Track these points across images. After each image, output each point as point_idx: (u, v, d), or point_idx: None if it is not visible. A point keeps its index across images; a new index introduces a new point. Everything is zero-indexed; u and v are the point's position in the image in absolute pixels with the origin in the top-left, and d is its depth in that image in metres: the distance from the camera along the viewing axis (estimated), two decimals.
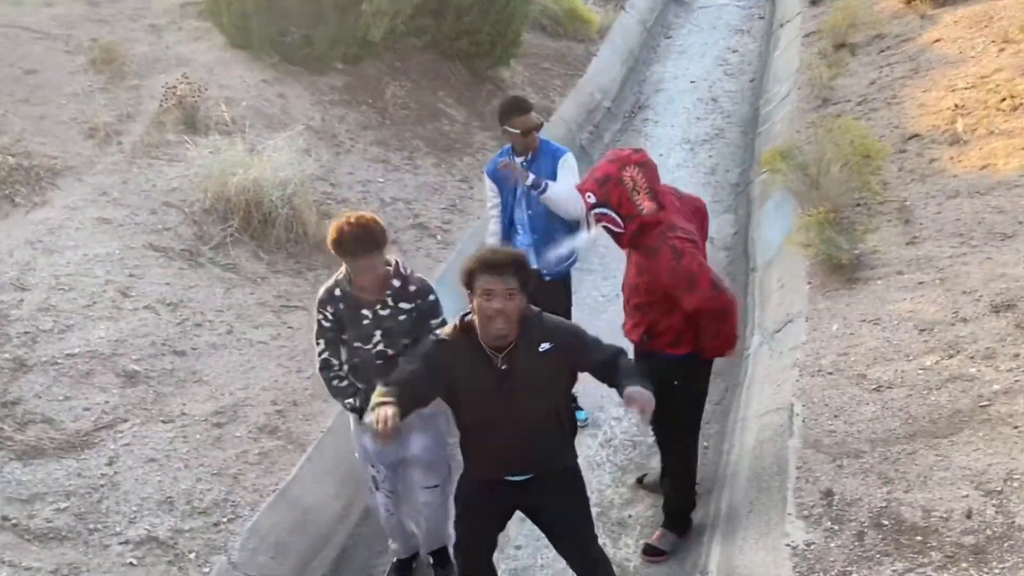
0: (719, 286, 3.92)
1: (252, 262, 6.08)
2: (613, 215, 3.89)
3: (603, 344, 3.51)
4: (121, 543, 3.97)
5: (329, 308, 3.83)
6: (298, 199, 6.32)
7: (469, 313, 3.35)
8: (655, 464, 4.88)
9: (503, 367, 3.32)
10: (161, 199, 6.23)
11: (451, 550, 4.45)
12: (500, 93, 9.48)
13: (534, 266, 5.07)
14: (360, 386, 3.93)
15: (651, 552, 4.50)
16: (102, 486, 4.20)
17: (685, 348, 4.12)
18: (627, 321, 4.34)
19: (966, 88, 7.67)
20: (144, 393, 4.76)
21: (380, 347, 3.82)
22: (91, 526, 4.01)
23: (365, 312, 3.78)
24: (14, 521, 3.91)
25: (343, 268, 3.84)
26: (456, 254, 6.72)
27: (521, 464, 3.53)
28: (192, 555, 4.02)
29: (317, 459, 4.79)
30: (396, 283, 3.80)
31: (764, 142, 8.83)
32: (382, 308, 3.79)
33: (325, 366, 3.95)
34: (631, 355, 4.35)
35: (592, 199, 3.91)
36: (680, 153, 9.37)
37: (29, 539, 3.86)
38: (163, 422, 4.64)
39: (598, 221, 3.96)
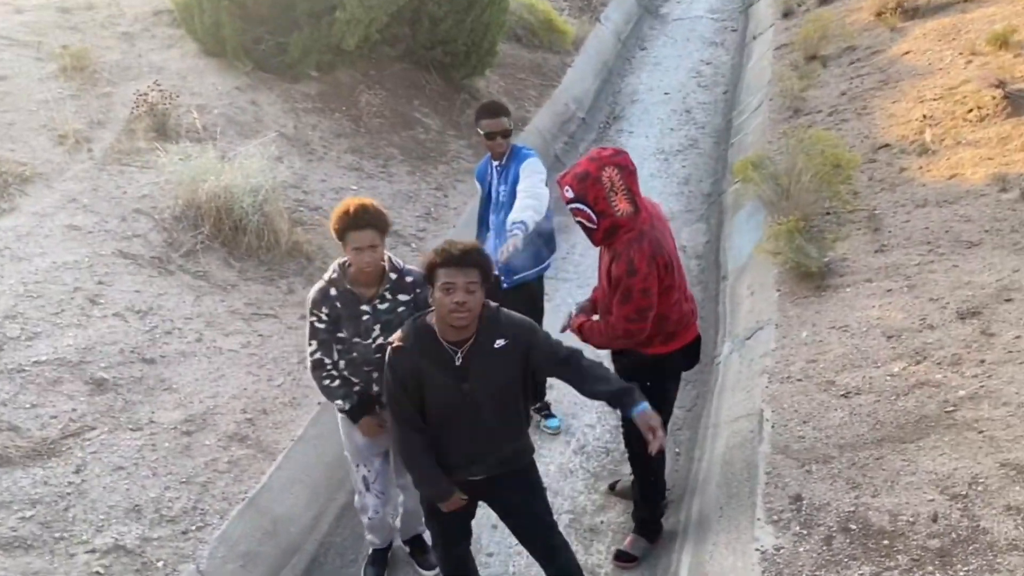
0: (642, 315, 3.99)
1: (223, 269, 6.05)
2: (588, 211, 3.94)
3: (555, 343, 3.50)
4: (88, 552, 3.93)
5: (324, 308, 3.83)
6: (270, 206, 6.30)
7: (420, 316, 3.42)
8: (627, 471, 4.90)
9: (459, 363, 3.33)
10: (131, 206, 6.19)
11: (428, 540, 4.51)
12: (475, 103, 9.51)
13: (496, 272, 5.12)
14: (355, 381, 3.97)
15: (622, 558, 4.52)
16: (69, 494, 4.16)
17: (656, 349, 4.16)
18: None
19: (934, 99, 7.79)
20: (112, 401, 4.72)
21: (380, 341, 3.83)
22: (57, 535, 3.97)
23: (364, 308, 3.81)
24: None
25: (333, 266, 3.86)
26: None
27: (482, 466, 3.56)
28: (160, 564, 3.99)
29: (287, 467, 4.76)
30: (393, 276, 3.84)
31: (736, 152, 8.92)
32: (380, 302, 3.82)
33: (317, 366, 3.96)
34: (607, 359, 4.41)
35: (570, 193, 3.95)
36: (654, 163, 9.43)
37: None
38: (131, 430, 4.60)
39: (574, 216, 4.01)
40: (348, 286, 3.82)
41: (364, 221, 3.65)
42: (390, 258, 3.89)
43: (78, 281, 5.38)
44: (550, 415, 5.54)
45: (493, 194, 5.21)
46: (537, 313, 5.22)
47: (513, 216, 4.79)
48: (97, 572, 3.86)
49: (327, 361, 3.94)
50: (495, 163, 5.18)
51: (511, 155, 5.13)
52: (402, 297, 3.87)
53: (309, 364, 3.99)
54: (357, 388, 4.01)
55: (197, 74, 8.08)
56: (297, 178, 7.11)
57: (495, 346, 3.35)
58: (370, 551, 4.55)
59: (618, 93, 11.70)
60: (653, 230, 4.01)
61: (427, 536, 4.49)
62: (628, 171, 3.94)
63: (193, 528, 4.21)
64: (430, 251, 3.27)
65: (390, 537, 4.55)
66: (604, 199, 3.89)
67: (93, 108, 7.31)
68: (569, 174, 3.97)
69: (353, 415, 4.02)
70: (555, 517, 4.81)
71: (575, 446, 5.40)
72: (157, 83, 7.28)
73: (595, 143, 10.16)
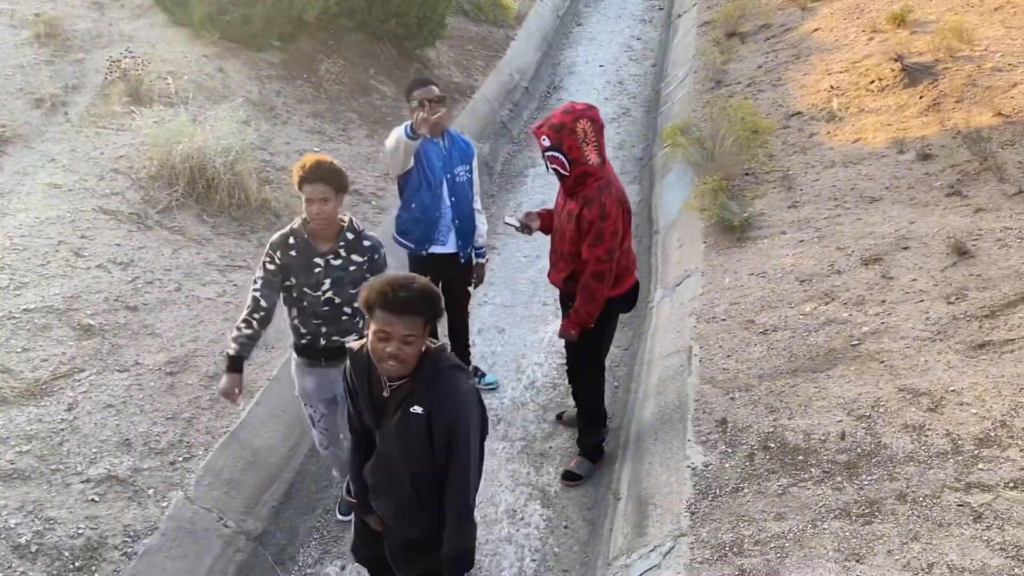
0: (611, 256, 4.06)
1: (197, 225, 5.95)
2: (563, 159, 3.98)
3: (463, 462, 2.78)
4: (83, 481, 3.90)
5: (278, 253, 3.74)
6: (239, 166, 6.19)
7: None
8: (572, 403, 5.01)
9: (386, 395, 2.80)
10: (109, 166, 6.03)
11: None
12: (427, 72, 9.42)
13: (452, 250, 4.93)
14: (304, 331, 3.89)
15: (569, 477, 4.65)
16: (62, 430, 4.10)
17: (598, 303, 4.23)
18: (551, 269, 4.43)
19: (840, 72, 7.94)
20: (99, 345, 4.64)
21: (328, 295, 3.78)
22: (53, 467, 3.93)
23: (317, 260, 3.74)
24: None
25: (297, 219, 3.79)
26: (390, 219, 6.69)
27: (380, 505, 3.07)
28: (151, 491, 3.98)
29: (265, 404, 4.76)
30: (350, 235, 3.78)
31: (665, 120, 8.99)
32: (334, 258, 3.75)
33: (252, 303, 3.79)
34: (557, 299, 4.48)
35: (547, 142, 3.98)
36: None
37: None
38: (119, 371, 4.54)
39: (550, 163, 4.04)
40: (306, 236, 3.75)
41: (317, 175, 3.60)
42: (351, 219, 3.83)
43: (62, 235, 5.25)
44: (483, 375, 5.49)
45: (436, 175, 4.75)
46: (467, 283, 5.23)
47: (483, 239, 5.10)
48: (92, 499, 3.84)
49: (262, 303, 3.79)
50: (439, 141, 4.75)
51: (449, 135, 4.80)
52: (356, 258, 3.79)
53: (248, 299, 3.82)
54: (305, 340, 3.91)
55: (166, 42, 7.84)
56: (264, 140, 6.99)
57: (411, 410, 2.74)
58: (342, 485, 4.57)
59: (557, 65, 11.67)
60: (616, 179, 4.11)
61: None
62: (598, 125, 4.00)
63: (180, 459, 4.21)
64: (367, 284, 2.68)
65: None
66: (578, 148, 3.94)
67: (67, 73, 7.06)
68: (546, 125, 3.99)
69: (228, 363, 3.82)
70: (510, 444, 4.96)
71: (526, 382, 5.49)
72: (129, 50, 7.06)
73: (538, 111, 10.16)
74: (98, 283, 5.01)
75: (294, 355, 4.07)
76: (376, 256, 3.84)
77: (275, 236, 3.81)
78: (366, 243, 3.82)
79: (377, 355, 2.66)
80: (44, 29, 7.37)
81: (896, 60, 7.38)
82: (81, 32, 7.71)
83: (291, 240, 3.76)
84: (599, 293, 4.12)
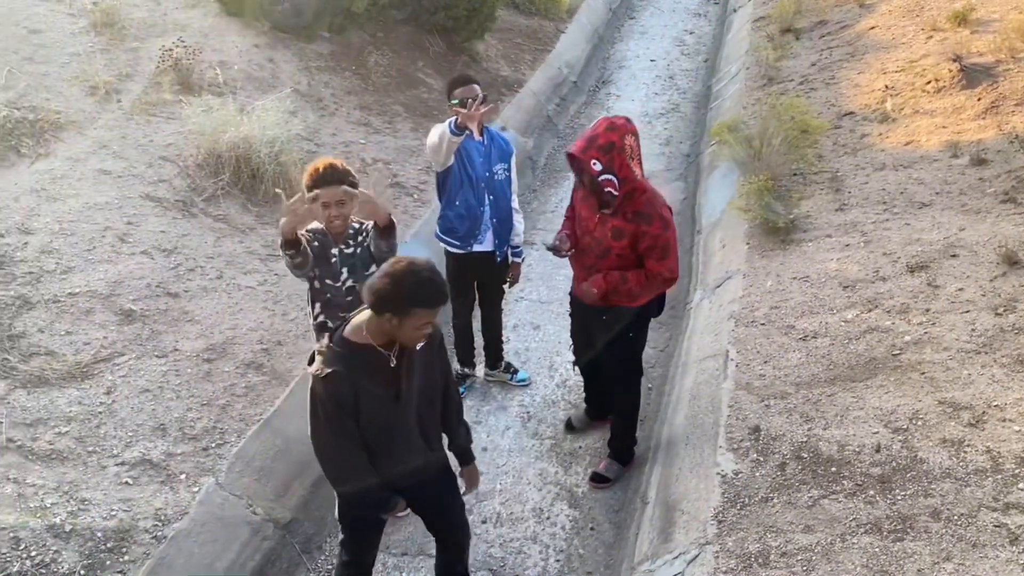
0: (678, 264, 4.06)
1: (241, 214, 6.03)
2: (616, 180, 3.86)
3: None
4: (118, 464, 3.99)
5: (308, 234, 3.78)
6: (285, 157, 6.26)
7: (339, 333, 3.03)
8: (582, 405, 5.00)
9: (393, 364, 3.01)
10: (157, 153, 6.15)
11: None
12: (475, 65, 9.42)
13: (489, 248, 4.93)
14: (331, 325, 3.81)
15: (598, 479, 4.61)
16: (100, 413, 4.20)
17: (640, 300, 4.17)
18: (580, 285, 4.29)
19: (896, 71, 7.73)
20: (140, 330, 4.74)
21: (348, 283, 3.86)
22: (90, 449, 4.02)
23: (333, 252, 3.83)
24: (19, 443, 3.91)
25: (313, 223, 3.87)
26: (431, 212, 6.71)
27: (412, 468, 3.24)
28: (183, 476, 4.05)
29: (299, 393, 4.78)
30: (356, 224, 3.88)
31: (714, 117, 8.86)
32: (346, 247, 3.85)
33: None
34: (580, 312, 4.44)
35: (599, 167, 3.82)
36: (639, 125, 9.02)
37: (32, 459, 3.87)
38: (157, 357, 4.63)
39: (604, 187, 3.87)
40: (323, 229, 3.82)
41: (335, 177, 3.61)
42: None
43: (108, 221, 5.37)
44: (515, 371, 5.47)
45: (477, 172, 4.75)
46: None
47: (520, 239, 5.10)
48: (126, 482, 3.92)
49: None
50: (478, 139, 4.74)
51: (489, 133, 4.82)
52: (360, 238, 3.88)
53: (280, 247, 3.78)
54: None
55: (218, 32, 7.96)
56: (310, 131, 7.05)
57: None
58: None
59: (607, 59, 11.57)
60: (655, 189, 4.05)
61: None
62: (638, 137, 3.92)
63: (213, 445, 4.27)
64: (397, 282, 2.81)
65: None
66: (627, 166, 3.84)
67: (121, 62, 7.20)
68: (592, 148, 3.81)
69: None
70: (539, 442, 4.93)
71: (558, 380, 5.46)
72: (181, 39, 7.17)
73: (585, 106, 10.08)
74: (141, 269, 5.10)
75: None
76: (369, 231, 3.89)
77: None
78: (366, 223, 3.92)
79: (416, 341, 2.97)
80: (101, 18, 7.53)
81: (955, 60, 7.14)
82: (136, 21, 7.85)
83: (309, 235, 3.85)
84: (642, 295, 4.07)
